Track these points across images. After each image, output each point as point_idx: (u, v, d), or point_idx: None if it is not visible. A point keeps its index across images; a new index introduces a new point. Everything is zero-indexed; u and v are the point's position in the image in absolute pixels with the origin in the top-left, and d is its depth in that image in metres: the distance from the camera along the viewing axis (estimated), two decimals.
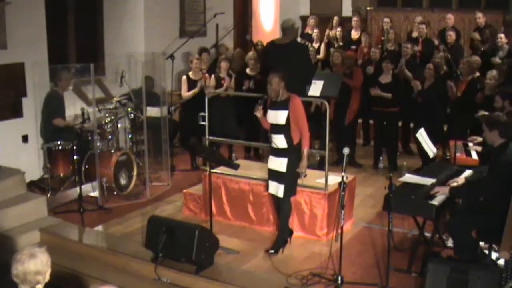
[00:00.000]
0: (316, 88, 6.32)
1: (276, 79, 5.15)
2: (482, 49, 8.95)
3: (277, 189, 5.29)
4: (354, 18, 10.61)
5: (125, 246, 5.50)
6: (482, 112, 6.96)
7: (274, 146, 5.28)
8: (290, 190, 5.30)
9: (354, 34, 10.38)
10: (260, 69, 7.58)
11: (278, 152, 5.25)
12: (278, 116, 5.19)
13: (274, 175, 5.31)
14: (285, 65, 5.88)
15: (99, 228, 6.12)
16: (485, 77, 7.22)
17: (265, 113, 5.38)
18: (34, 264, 3.13)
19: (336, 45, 10.21)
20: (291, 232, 5.57)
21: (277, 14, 11.49)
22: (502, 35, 8.81)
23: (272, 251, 5.33)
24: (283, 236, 5.43)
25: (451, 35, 9.19)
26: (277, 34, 10.38)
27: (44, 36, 7.33)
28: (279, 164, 5.24)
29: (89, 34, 8.65)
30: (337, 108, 7.85)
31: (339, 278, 4.71)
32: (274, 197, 5.50)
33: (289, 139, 5.18)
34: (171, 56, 7.94)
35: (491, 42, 9.02)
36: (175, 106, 8.35)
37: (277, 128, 5.24)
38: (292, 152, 5.20)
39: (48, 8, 7.35)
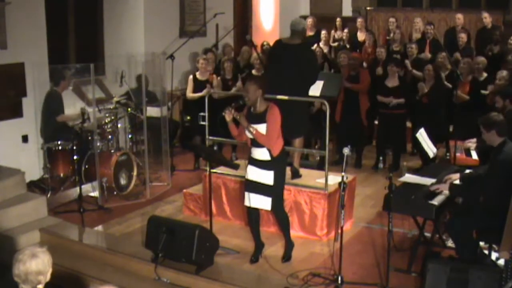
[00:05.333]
0: (316, 88, 6.31)
1: (253, 87, 4.91)
2: (494, 52, 8.91)
3: (262, 201, 5.10)
4: (359, 19, 10.61)
5: (125, 246, 5.50)
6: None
7: (254, 157, 5.09)
8: (280, 201, 5.19)
9: (360, 36, 10.37)
10: (264, 69, 7.49)
11: (261, 164, 5.04)
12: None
13: (257, 187, 5.06)
14: (292, 66, 5.84)
15: (99, 228, 6.12)
16: (495, 77, 7.22)
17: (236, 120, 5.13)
18: (36, 264, 3.13)
19: (342, 45, 10.22)
20: (293, 244, 5.42)
21: (277, 14, 11.48)
22: None
23: (285, 260, 5.28)
24: (290, 244, 5.36)
25: (463, 37, 9.17)
26: (277, 34, 10.39)
27: (44, 36, 7.33)
28: (265, 176, 5.02)
29: (89, 34, 8.65)
30: (345, 110, 7.85)
31: (339, 278, 4.71)
32: (252, 210, 5.22)
33: (270, 151, 4.98)
34: (171, 56, 7.94)
35: (502, 44, 8.98)
36: (173, 99, 8.35)
37: (258, 142, 4.99)
38: (276, 164, 5.02)
39: (48, 8, 7.35)
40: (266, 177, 5.03)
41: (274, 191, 5.07)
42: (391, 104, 7.74)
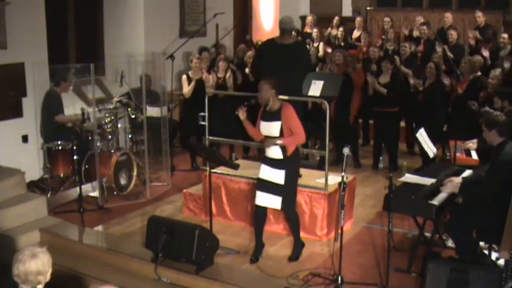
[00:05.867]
0: (316, 88, 6.31)
1: (266, 86, 4.99)
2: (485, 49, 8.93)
3: (271, 200, 5.11)
4: (358, 19, 10.61)
5: (125, 246, 5.51)
6: (471, 102, 6.96)
7: (268, 156, 5.12)
8: (291, 201, 5.18)
9: (356, 34, 10.38)
10: (252, 66, 7.36)
11: (274, 163, 5.08)
12: (271, 128, 5.03)
13: (268, 186, 5.09)
14: (286, 65, 5.83)
15: (99, 228, 6.12)
16: (488, 76, 7.21)
17: (250, 117, 5.21)
18: (35, 264, 3.13)
19: (336, 44, 10.21)
20: (302, 245, 5.43)
21: (277, 14, 11.49)
22: (506, 35, 8.77)
23: (293, 259, 5.28)
24: (299, 244, 5.35)
25: (453, 34, 9.18)
26: (276, 34, 10.35)
27: (44, 36, 7.33)
28: (276, 175, 5.05)
29: (89, 34, 8.66)
30: (338, 108, 7.86)
31: (339, 278, 4.71)
32: (260, 209, 5.24)
33: (284, 149, 5.03)
34: (171, 56, 7.94)
35: (494, 42, 9.00)
36: (175, 103, 8.34)
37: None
38: (289, 163, 5.05)
39: (48, 8, 7.35)
40: (277, 176, 5.06)
41: (285, 191, 5.08)
42: (370, 83, 7.74)
